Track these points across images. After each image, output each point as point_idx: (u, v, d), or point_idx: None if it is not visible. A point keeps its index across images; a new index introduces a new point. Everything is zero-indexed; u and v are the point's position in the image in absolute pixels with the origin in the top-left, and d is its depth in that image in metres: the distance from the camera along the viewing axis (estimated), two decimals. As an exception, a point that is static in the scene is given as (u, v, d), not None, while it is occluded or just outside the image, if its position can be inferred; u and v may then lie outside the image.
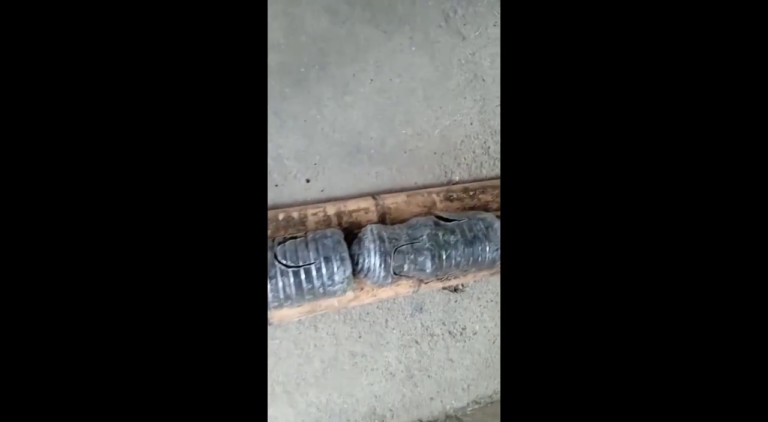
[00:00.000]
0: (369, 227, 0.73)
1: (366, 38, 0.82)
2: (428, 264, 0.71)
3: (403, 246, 0.71)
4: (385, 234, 0.71)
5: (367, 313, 0.91)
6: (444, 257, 0.72)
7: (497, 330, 1.02)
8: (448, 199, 0.86)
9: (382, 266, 0.69)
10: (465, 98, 0.91)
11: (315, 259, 0.64)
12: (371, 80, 0.83)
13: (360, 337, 0.91)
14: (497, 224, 0.76)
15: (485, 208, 0.87)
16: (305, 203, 0.81)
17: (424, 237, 0.72)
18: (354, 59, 0.81)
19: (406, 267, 0.71)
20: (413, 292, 0.86)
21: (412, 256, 0.71)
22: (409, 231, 0.73)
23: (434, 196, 0.85)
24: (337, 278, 0.65)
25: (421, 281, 0.75)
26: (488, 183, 0.91)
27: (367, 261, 0.69)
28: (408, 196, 0.84)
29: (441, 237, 0.72)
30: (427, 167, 0.90)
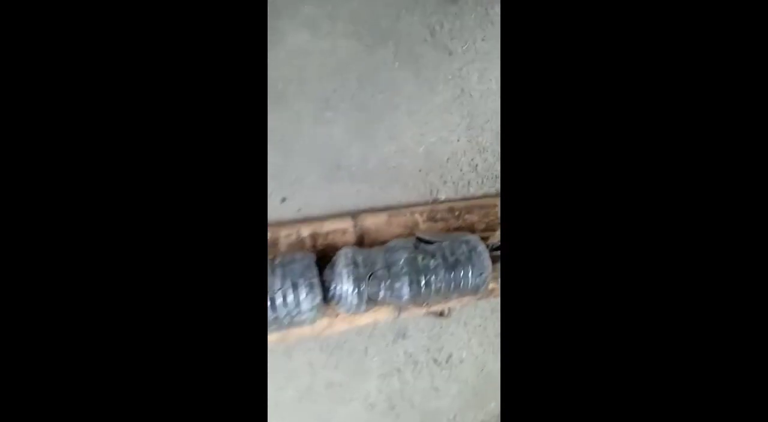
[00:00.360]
0: (343, 251, 0.69)
1: (348, 53, 0.79)
2: (405, 290, 0.66)
3: (379, 272, 0.66)
4: (359, 259, 0.67)
5: (346, 340, 0.86)
6: (423, 283, 0.67)
7: (486, 357, 0.96)
8: (432, 219, 0.81)
9: (356, 293, 0.64)
10: (451, 114, 0.87)
11: (281, 286, 0.60)
12: (353, 96, 0.80)
13: (337, 366, 0.85)
14: (481, 247, 0.72)
15: (471, 230, 0.83)
16: (280, 223, 0.77)
17: (402, 261, 0.67)
18: (335, 74, 0.78)
19: (381, 293, 0.66)
20: (394, 318, 0.82)
21: (388, 282, 0.66)
22: (387, 255, 0.69)
23: (417, 216, 0.81)
24: (304, 306, 0.61)
25: (400, 307, 0.71)
26: (475, 202, 0.87)
27: (339, 287, 0.65)
28: (389, 215, 0.80)
29: (420, 261, 0.68)
30: (411, 185, 0.86)
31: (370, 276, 0.65)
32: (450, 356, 0.94)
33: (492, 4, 0.88)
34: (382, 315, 0.78)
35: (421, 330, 0.91)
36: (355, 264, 0.66)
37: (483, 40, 0.88)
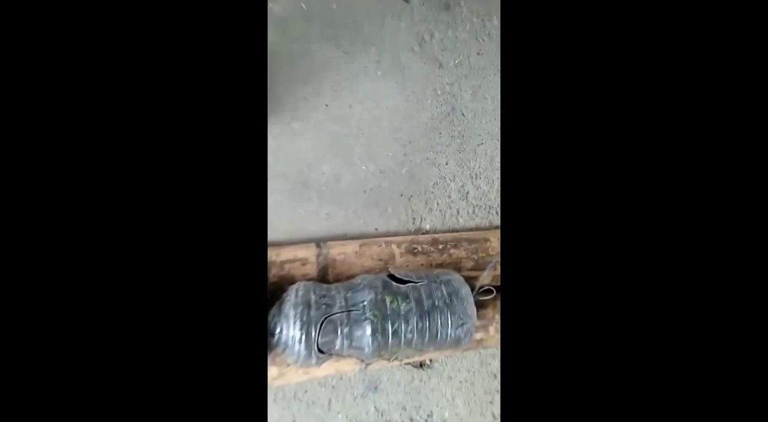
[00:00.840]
0: (295, 286, 0.56)
1: (323, 58, 0.70)
2: (367, 341, 0.54)
3: (336, 316, 0.54)
4: (313, 298, 0.54)
5: (305, 391, 0.72)
6: (389, 332, 0.54)
7: (472, 420, 0.81)
8: (411, 251, 0.69)
9: (303, 342, 0.52)
10: (440, 134, 0.77)
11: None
12: (326, 105, 0.70)
13: (291, 423, 0.71)
14: (464, 290, 0.59)
15: (457, 267, 0.70)
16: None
17: (366, 303, 0.55)
18: (306, 80, 0.69)
19: (338, 344, 0.54)
20: (360, 370, 0.68)
21: (346, 329, 0.54)
22: (348, 295, 0.56)
23: (394, 247, 0.69)
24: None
25: (362, 361, 0.58)
26: (464, 235, 0.75)
27: (285, 333, 0.52)
28: (361, 245, 0.68)
29: (388, 304, 0.55)
30: (391, 210, 0.75)
31: (323, 322, 0.53)
32: (429, 416, 0.79)
33: (489, 15, 0.79)
34: (345, 366, 0.65)
35: (396, 382, 0.77)
36: (307, 304, 0.53)
37: (478, 54, 0.79)
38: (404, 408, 0.78)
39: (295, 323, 0.51)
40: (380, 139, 0.73)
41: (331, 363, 0.62)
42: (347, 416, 0.75)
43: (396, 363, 0.68)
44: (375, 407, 0.76)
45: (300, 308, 0.52)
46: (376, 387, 0.77)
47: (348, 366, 0.65)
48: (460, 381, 0.80)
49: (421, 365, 0.79)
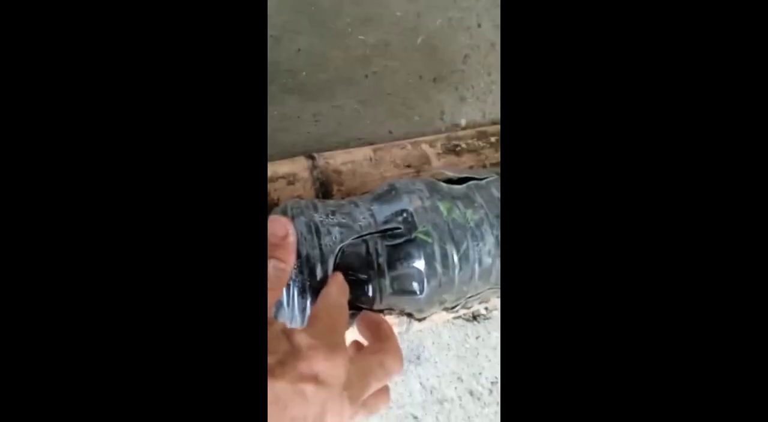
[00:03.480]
0: (284, 205, 0.33)
1: None
2: (420, 277, 0.31)
3: (360, 240, 0.31)
4: (317, 218, 0.31)
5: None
6: (455, 259, 0.31)
7: (549, 380, 0.61)
8: (453, 150, 0.46)
9: (308, 295, 0.29)
10: (465, -20, 0.52)
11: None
12: (289, -63, 0.44)
13: None
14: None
15: (522, 164, 0.47)
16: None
17: (409, 215, 0.31)
18: None
19: (369, 290, 0.31)
20: (400, 333, 0.46)
21: (381, 262, 0.31)
22: (374, 207, 0.33)
23: (425, 146, 0.45)
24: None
25: (410, 316, 0.35)
26: (520, 122, 0.51)
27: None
28: (376, 149, 0.44)
29: (445, 214, 0.32)
30: (407, 103, 0.51)
31: (338, 253, 0.30)
32: (494, 382, 0.58)
33: None
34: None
35: (444, 346, 0.56)
36: (309, 229, 0.30)
37: None
38: (460, 379, 0.57)
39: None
40: (379, -8, 0.48)
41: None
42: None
43: (459, 313, 0.46)
44: (421, 383, 0.55)
45: (297, 235, 0.28)
46: (418, 357, 0.55)
47: (381, 330, 0.43)
48: (530, 332, 0.59)
49: (475, 317, 0.57)
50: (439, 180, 0.36)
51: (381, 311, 0.32)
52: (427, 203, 0.32)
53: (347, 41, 0.48)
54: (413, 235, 0.30)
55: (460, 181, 0.36)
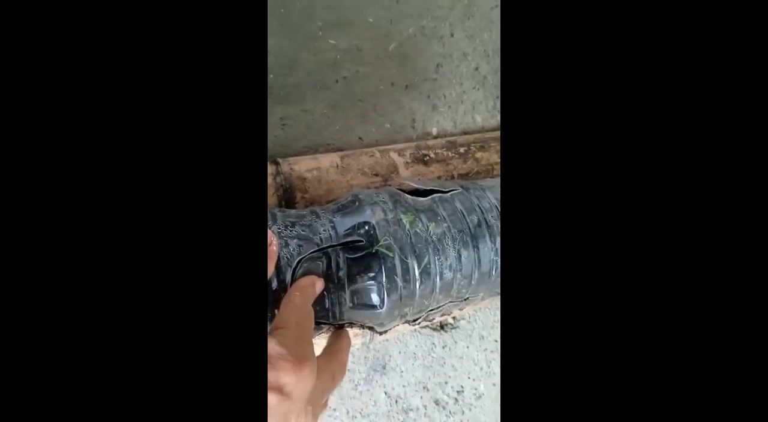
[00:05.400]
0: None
1: None
2: (380, 292, 0.30)
3: (319, 254, 0.30)
4: (274, 229, 0.30)
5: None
6: (416, 273, 0.31)
7: (514, 388, 0.61)
8: (421, 160, 0.46)
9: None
10: (439, -10, 0.52)
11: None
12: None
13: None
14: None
15: (490, 174, 0.48)
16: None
17: (370, 228, 0.31)
18: None
19: (328, 303, 0.30)
20: (364, 344, 0.45)
21: (341, 275, 0.30)
22: (336, 219, 0.32)
23: (394, 155, 0.45)
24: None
25: (371, 329, 0.35)
26: (489, 133, 0.52)
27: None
28: (344, 156, 0.43)
29: (407, 226, 0.32)
30: (378, 110, 0.50)
31: (297, 266, 0.29)
32: (460, 391, 0.58)
33: None
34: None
35: (410, 355, 0.55)
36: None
37: None
38: (426, 388, 0.56)
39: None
40: (352, -3, 0.47)
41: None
42: (348, 411, 0.52)
43: (422, 325, 0.46)
44: (386, 393, 0.54)
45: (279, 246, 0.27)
46: (384, 366, 0.55)
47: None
48: (496, 341, 0.60)
49: (442, 326, 0.57)
50: (404, 191, 0.36)
51: (341, 324, 0.32)
52: (390, 216, 0.32)
53: (318, 45, 0.47)
54: (374, 248, 0.30)
55: (426, 192, 0.36)
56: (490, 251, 0.34)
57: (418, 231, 0.32)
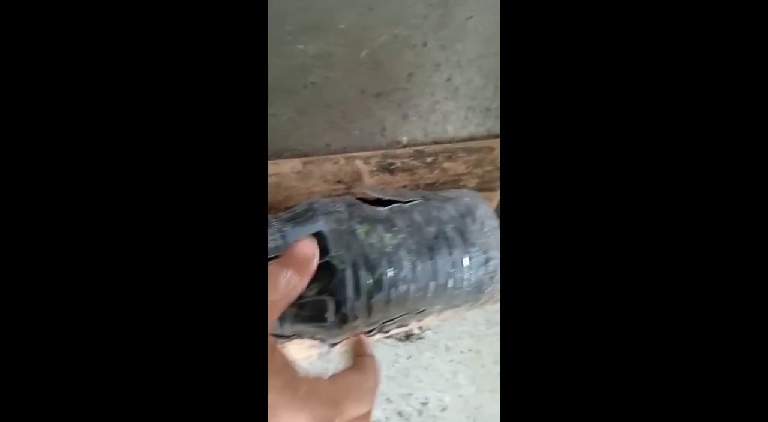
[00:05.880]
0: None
1: None
2: (328, 304, 0.29)
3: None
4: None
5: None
6: (367, 284, 0.30)
7: (481, 398, 0.61)
8: (387, 168, 0.45)
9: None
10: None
11: None
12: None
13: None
14: (483, 209, 0.37)
15: (455, 187, 0.48)
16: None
17: (326, 234, 0.30)
18: None
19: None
20: (322, 355, 0.44)
21: (289, 287, 0.29)
22: (287, 228, 0.31)
23: (359, 163, 0.44)
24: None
25: (322, 341, 0.34)
26: (459, 144, 0.52)
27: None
28: (306, 162, 0.43)
29: (362, 237, 0.31)
30: (348, 116, 0.49)
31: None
32: (425, 403, 0.57)
33: None
34: (297, 350, 0.41)
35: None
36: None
37: None
38: (389, 400, 0.55)
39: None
40: (325, 3, 0.47)
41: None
42: (309, 423, 0.51)
43: (379, 336, 0.45)
44: (348, 404, 0.54)
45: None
46: (347, 376, 0.54)
47: (301, 350, 0.41)
48: (462, 352, 0.59)
49: (408, 336, 0.57)
50: (365, 200, 0.35)
51: (289, 337, 0.31)
52: (344, 226, 0.31)
53: (286, 49, 0.46)
54: (324, 260, 0.29)
55: (387, 202, 0.35)
56: (447, 263, 0.33)
57: (372, 242, 0.31)
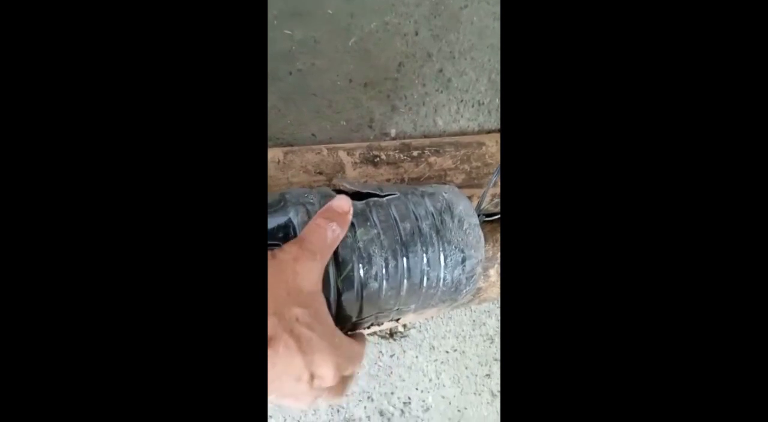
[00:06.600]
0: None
1: None
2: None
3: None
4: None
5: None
6: (336, 281, 0.29)
7: (464, 400, 0.60)
8: (371, 160, 0.44)
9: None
10: (405, -14, 0.50)
11: None
12: None
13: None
14: (464, 206, 0.35)
15: (440, 182, 0.46)
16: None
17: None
18: None
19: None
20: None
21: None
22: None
23: (343, 154, 0.43)
24: None
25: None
26: (448, 138, 0.50)
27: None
28: (288, 152, 0.41)
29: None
30: (333, 106, 0.48)
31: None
32: (407, 403, 0.56)
33: None
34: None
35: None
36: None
37: None
38: (370, 398, 0.54)
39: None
40: (310, -14, 0.45)
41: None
42: (285, 419, 0.50)
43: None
44: (328, 403, 0.52)
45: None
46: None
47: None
48: (447, 352, 0.58)
49: (392, 334, 0.55)
50: (343, 193, 0.34)
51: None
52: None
53: (272, 34, 0.45)
54: (291, 253, 0.28)
55: (364, 195, 0.34)
56: (421, 261, 0.32)
57: (346, 239, 0.30)
